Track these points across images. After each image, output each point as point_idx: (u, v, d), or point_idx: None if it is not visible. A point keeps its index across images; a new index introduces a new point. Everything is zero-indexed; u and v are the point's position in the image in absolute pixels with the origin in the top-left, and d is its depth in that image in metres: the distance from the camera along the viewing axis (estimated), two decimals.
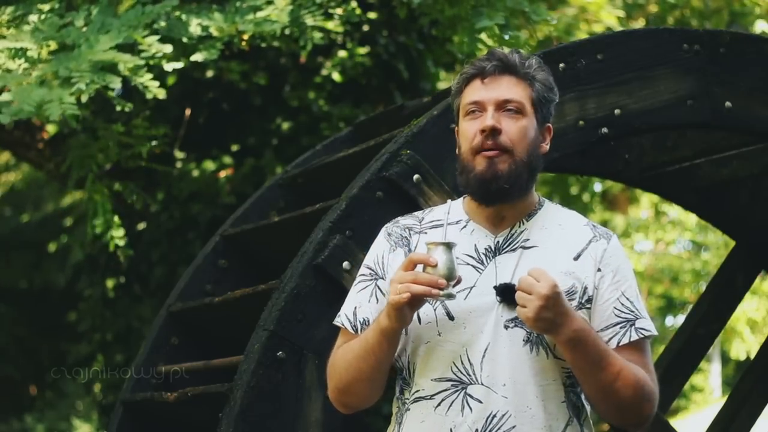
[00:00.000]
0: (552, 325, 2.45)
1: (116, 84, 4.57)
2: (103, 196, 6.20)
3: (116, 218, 6.12)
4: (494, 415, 2.50)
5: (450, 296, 2.44)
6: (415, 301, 2.45)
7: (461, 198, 2.73)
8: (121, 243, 6.09)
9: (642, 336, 2.57)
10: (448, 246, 2.45)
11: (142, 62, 4.70)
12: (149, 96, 4.80)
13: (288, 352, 3.44)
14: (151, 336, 4.26)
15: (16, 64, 4.62)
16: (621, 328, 2.57)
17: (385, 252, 2.66)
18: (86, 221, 6.41)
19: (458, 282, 2.47)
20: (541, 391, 2.53)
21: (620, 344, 2.56)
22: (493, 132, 2.55)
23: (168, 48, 4.84)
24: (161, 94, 4.86)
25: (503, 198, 2.58)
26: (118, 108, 5.01)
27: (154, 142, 6.54)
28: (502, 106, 2.58)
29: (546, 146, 2.67)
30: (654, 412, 2.58)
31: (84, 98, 4.50)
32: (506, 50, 2.65)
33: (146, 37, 4.75)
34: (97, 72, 4.54)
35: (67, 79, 4.49)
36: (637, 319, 2.58)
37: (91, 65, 4.53)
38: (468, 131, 2.60)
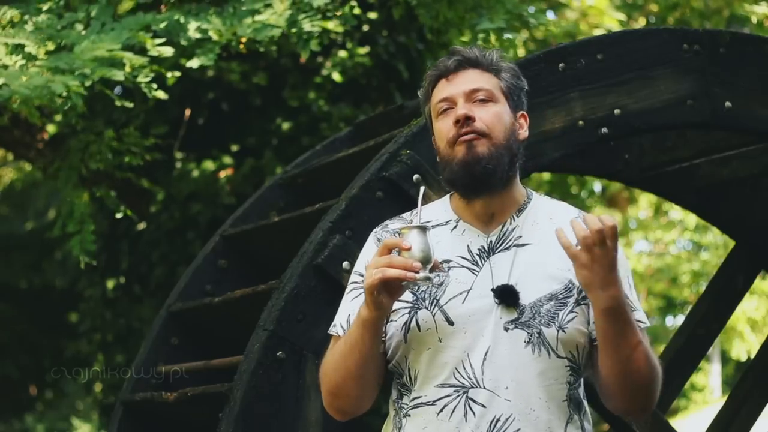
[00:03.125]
0: (609, 282, 2.39)
1: (119, 76, 4.58)
2: (81, 200, 6.19)
3: (89, 224, 6.09)
4: (498, 419, 2.48)
5: (427, 279, 2.39)
6: (392, 287, 2.41)
7: (446, 197, 2.71)
8: (92, 248, 6.05)
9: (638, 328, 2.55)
10: (423, 229, 2.41)
11: (145, 60, 4.71)
12: (150, 96, 4.80)
13: (288, 352, 3.43)
14: (151, 336, 4.26)
15: (13, 60, 4.62)
16: None
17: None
18: (59, 219, 6.38)
19: (435, 266, 2.43)
20: (545, 392, 2.51)
21: None
22: (467, 120, 2.54)
23: (169, 51, 4.85)
24: (162, 95, 4.86)
25: (488, 181, 2.55)
26: (118, 103, 5.00)
27: (147, 156, 6.54)
28: (471, 96, 2.58)
29: (525, 133, 2.65)
30: (658, 396, 2.56)
31: (87, 83, 4.50)
32: (465, 47, 2.65)
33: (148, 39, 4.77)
34: (101, 65, 4.55)
35: (70, 71, 4.49)
36: (634, 310, 2.54)
37: (94, 59, 4.54)
38: (443, 128, 2.59)
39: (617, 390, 2.51)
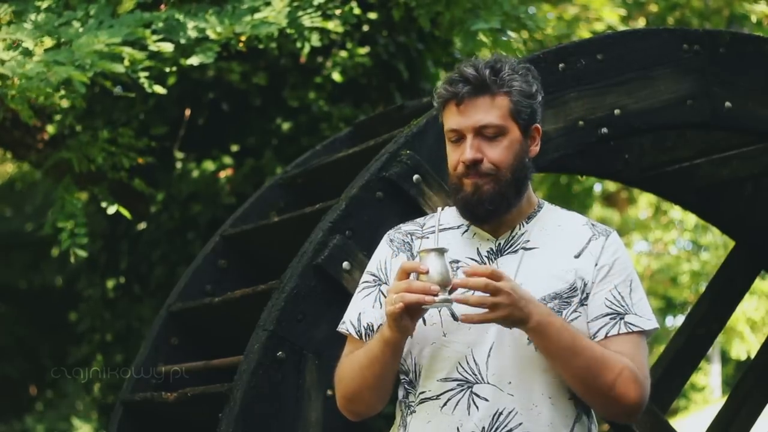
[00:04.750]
0: (521, 315, 2.45)
1: (119, 69, 4.58)
2: (73, 197, 6.16)
3: (81, 218, 6.05)
4: (501, 413, 2.52)
5: (447, 302, 2.43)
6: (413, 311, 2.45)
7: None
8: (83, 241, 6.00)
9: (630, 330, 2.58)
10: (440, 252, 2.44)
11: (144, 56, 4.71)
12: (150, 90, 4.79)
13: (288, 352, 3.44)
14: (151, 336, 4.26)
15: (10, 56, 4.62)
16: (611, 319, 2.58)
17: (387, 257, 2.68)
18: (50, 215, 6.34)
19: (454, 288, 2.45)
20: (548, 389, 2.54)
21: (608, 335, 2.57)
22: (473, 164, 2.58)
23: (169, 47, 4.85)
24: (161, 90, 4.85)
25: (489, 218, 2.61)
26: (120, 94, 5.00)
27: (140, 159, 6.52)
28: (480, 131, 2.59)
29: (536, 148, 2.67)
30: (643, 403, 2.56)
31: (89, 74, 4.49)
32: (479, 61, 2.63)
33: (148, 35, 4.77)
34: (101, 59, 4.55)
35: (70, 63, 4.50)
36: (627, 313, 2.58)
37: (94, 53, 4.54)
38: (451, 159, 2.63)
39: (583, 397, 2.56)
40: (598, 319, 2.58)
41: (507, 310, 2.41)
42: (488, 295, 2.41)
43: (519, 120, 2.61)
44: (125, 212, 6.41)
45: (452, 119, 2.61)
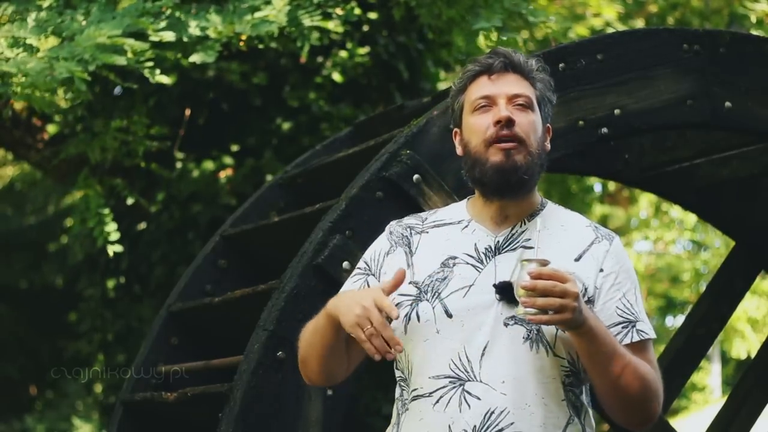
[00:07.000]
0: (581, 319, 2.44)
1: (121, 61, 4.58)
2: (95, 191, 6.16)
3: (107, 212, 6.05)
4: (492, 412, 2.50)
5: (526, 314, 2.41)
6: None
7: (464, 200, 2.74)
8: (113, 238, 6.00)
9: (642, 338, 2.58)
10: (543, 263, 2.43)
11: (147, 46, 4.71)
12: (153, 80, 4.79)
13: (288, 352, 3.44)
14: (151, 336, 4.26)
15: (14, 53, 4.62)
16: (623, 328, 2.58)
17: (383, 250, 2.68)
18: (77, 216, 6.35)
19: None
20: (541, 389, 2.53)
21: (622, 344, 2.56)
22: (508, 122, 2.57)
23: (171, 35, 4.85)
24: (165, 79, 4.85)
25: (520, 188, 2.59)
26: (122, 86, 5.00)
27: (152, 143, 6.51)
28: (512, 100, 2.61)
29: (548, 145, 2.70)
30: (659, 410, 2.59)
31: (90, 68, 4.50)
32: (508, 50, 2.68)
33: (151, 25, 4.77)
34: (102, 52, 4.55)
35: (72, 58, 4.50)
36: (637, 321, 2.59)
37: (95, 46, 4.54)
38: (479, 125, 2.60)
39: (609, 405, 2.56)
40: (611, 328, 2.56)
41: (572, 313, 2.39)
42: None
43: (542, 109, 2.66)
44: (144, 202, 6.41)
45: (483, 87, 2.62)
